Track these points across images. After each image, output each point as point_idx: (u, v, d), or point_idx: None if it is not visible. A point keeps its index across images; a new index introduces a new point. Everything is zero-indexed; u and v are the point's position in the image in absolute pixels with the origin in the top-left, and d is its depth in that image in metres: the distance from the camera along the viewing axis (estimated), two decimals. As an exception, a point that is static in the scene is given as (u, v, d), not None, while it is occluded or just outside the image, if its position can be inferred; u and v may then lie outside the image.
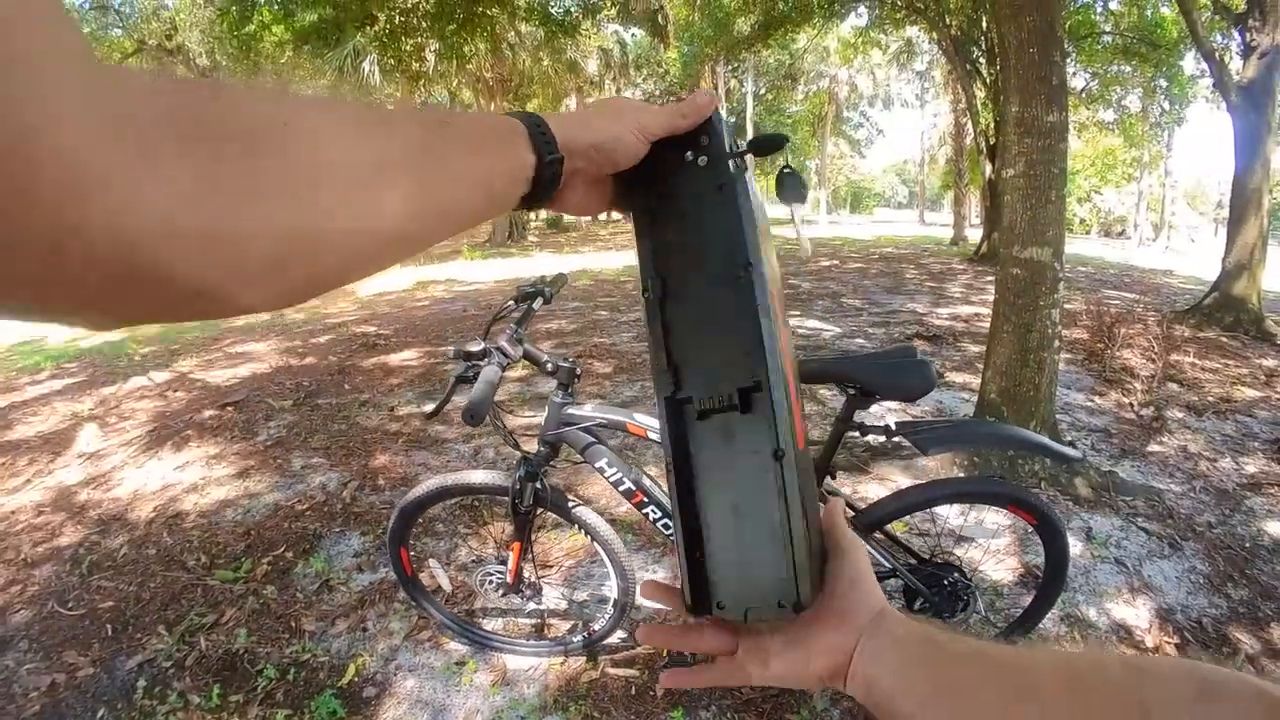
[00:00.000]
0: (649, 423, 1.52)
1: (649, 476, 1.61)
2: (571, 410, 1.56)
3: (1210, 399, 4.57)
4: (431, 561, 2.05)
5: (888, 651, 0.44)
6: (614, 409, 1.58)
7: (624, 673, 2.01)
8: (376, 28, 11.74)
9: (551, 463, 1.61)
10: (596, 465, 1.55)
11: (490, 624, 2.20)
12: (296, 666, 2.18)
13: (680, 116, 0.50)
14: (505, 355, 1.37)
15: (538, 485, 1.62)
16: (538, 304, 1.61)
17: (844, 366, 1.53)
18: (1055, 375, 3.26)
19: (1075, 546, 2.61)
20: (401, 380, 5.38)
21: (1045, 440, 1.55)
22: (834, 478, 1.58)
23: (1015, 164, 3.04)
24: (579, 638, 2.01)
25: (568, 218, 33.36)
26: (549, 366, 1.48)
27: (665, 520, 1.59)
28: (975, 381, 4.55)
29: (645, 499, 1.57)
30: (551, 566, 2.48)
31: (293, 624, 2.41)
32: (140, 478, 3.83)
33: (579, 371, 1.49)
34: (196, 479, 3.73)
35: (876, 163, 66.21)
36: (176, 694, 2.06)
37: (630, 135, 0.48)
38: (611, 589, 1.86)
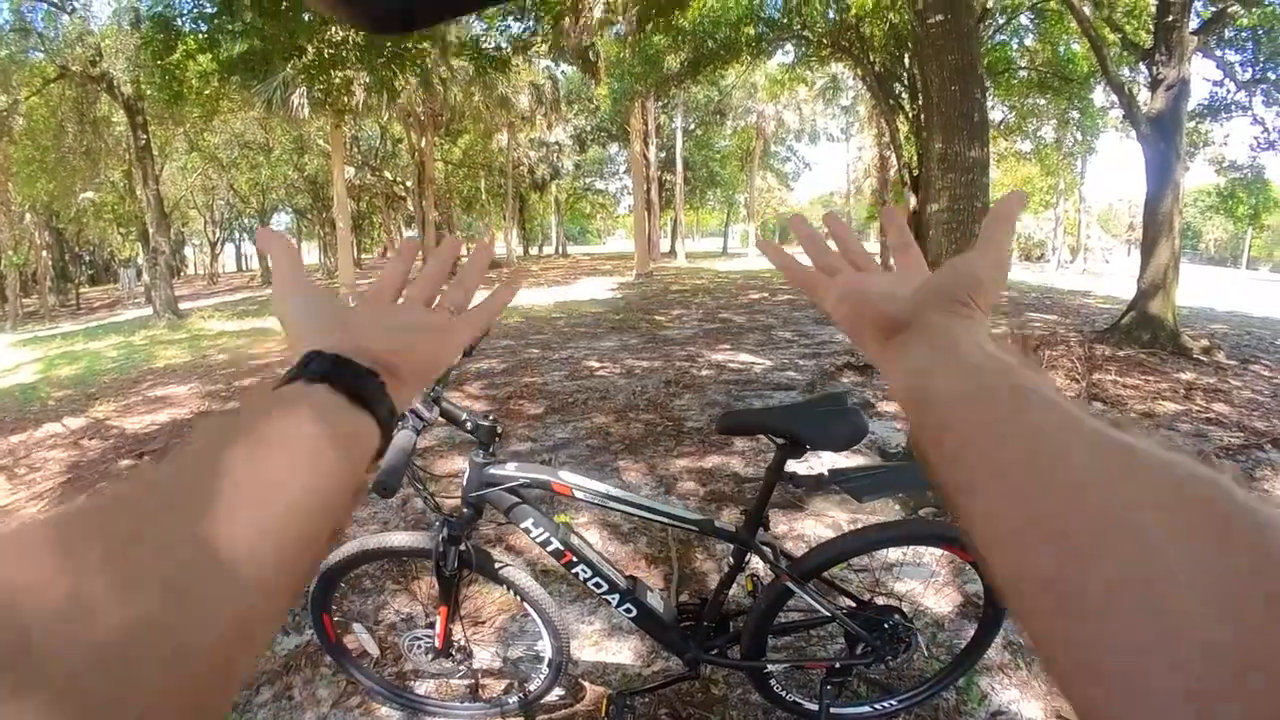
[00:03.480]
0: (574, 480, 1.47)
1: (577, 535, 1.55)
2: (493, 470, 1.49)
3: (1133, 415, 4.75)
4: (356, 626, 1.93)
5: (961, 328, 0.39)
6: (537, 467, 1.52)
7: (563, 733, 1.93)
8: (305, 59, 11.50)
9: (476, 524, 1.53)
10: (522, 526, 1.48)
11: (422, 687, 2.09)
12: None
13: None
14: (420, 418, 1.29)
15: (461, 547, 1.54)
16: (458, 358, 1.54)
17: (773, 418, 1.50)
18: (985, 403, 3.33)
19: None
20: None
21: None
22: (768, 528, 1.55)
23: (939, 199, 3.12)
24: (514, 699, 1.92)
25: (500, 251, 33.19)
26: (468, 425, 1.41)
27: (596, 579, 1.53)
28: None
29: (574, 558, 1.51)
30: (484, 624, 2.39)
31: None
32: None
33: (500, 430, 1.43)
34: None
35: (804, 195, 68.06)
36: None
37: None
38: (545, 648, 1.78)
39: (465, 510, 1.51)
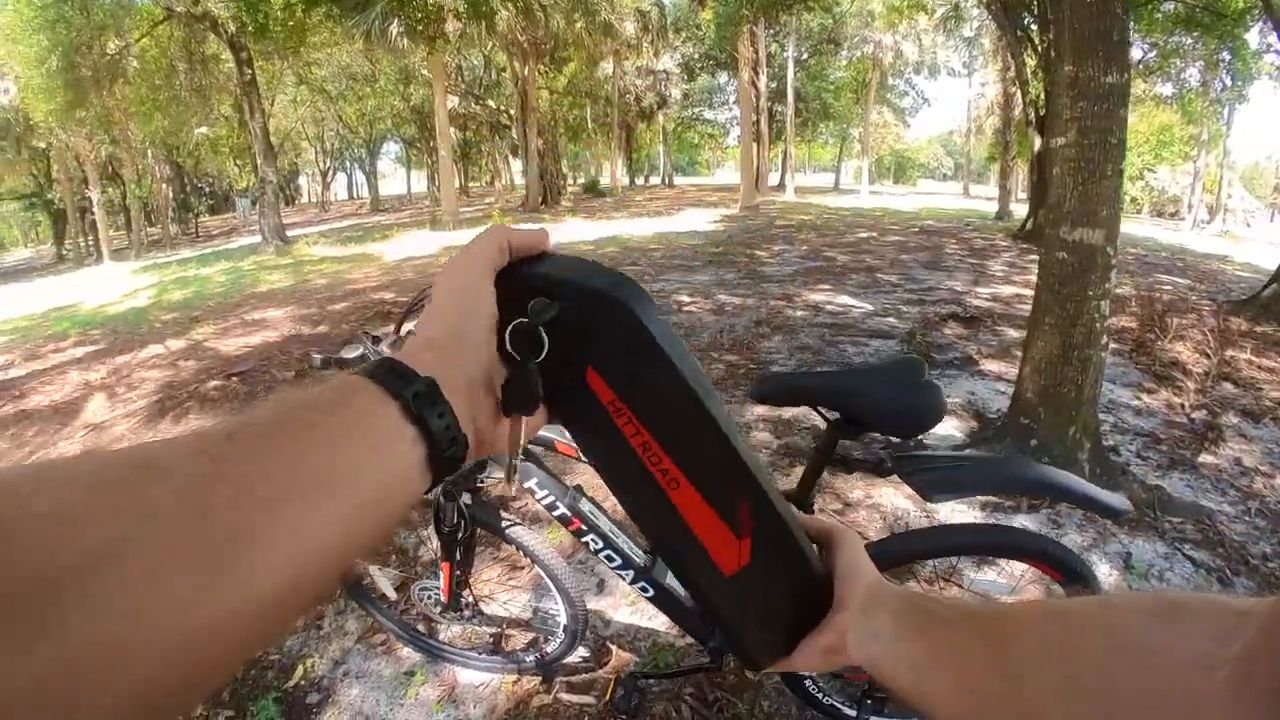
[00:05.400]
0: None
1: (589, 499, 1.36)
2: None
3: (1269, 403, 4.14)
4: (372, 568, 1.84)
5: (882, 627, 0.48)
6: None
7: (578, 700, 1.79)
8: (394, -13, 11.36)
9: (480, 479, 1.35)
10: (526, 486, 1.29)
11: (444, 633, 2.00)
12: (247, 663, 2.01)
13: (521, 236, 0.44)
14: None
15: (467, 501, 1.37)
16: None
17: (825, 385, 1.20)
18: (1100, 375, 2.91)
19: (1110, 575, 2.30)
20: (403, 354, 5.25)
21: (1084, 486, 1.21)
22: (812, 512, 1.32)
23: (1066, 131, 2.67)
24: (532, 658, 1.80)
25: (605, 181, 32.90)
26: None
27: (608, 552, 1.34)
28: (1012, 372, 4.22)
29: (584, 526, 1.31)
30: (499, 581, 2.28)
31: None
32: (137, 454, 3.74)
33: None
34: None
35: (921, 132, 64.23)
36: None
37: (481, 284, 0.42)
38: (560, 614, 1.63)
39: (464, 464, 1.34)
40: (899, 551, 1.33)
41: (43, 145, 21.68)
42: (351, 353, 1.03)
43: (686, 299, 6.81)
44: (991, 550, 1.44)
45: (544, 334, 0.41)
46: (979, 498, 2.63)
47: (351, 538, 0.31)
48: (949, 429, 3.43)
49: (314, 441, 0.31)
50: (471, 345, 0.40)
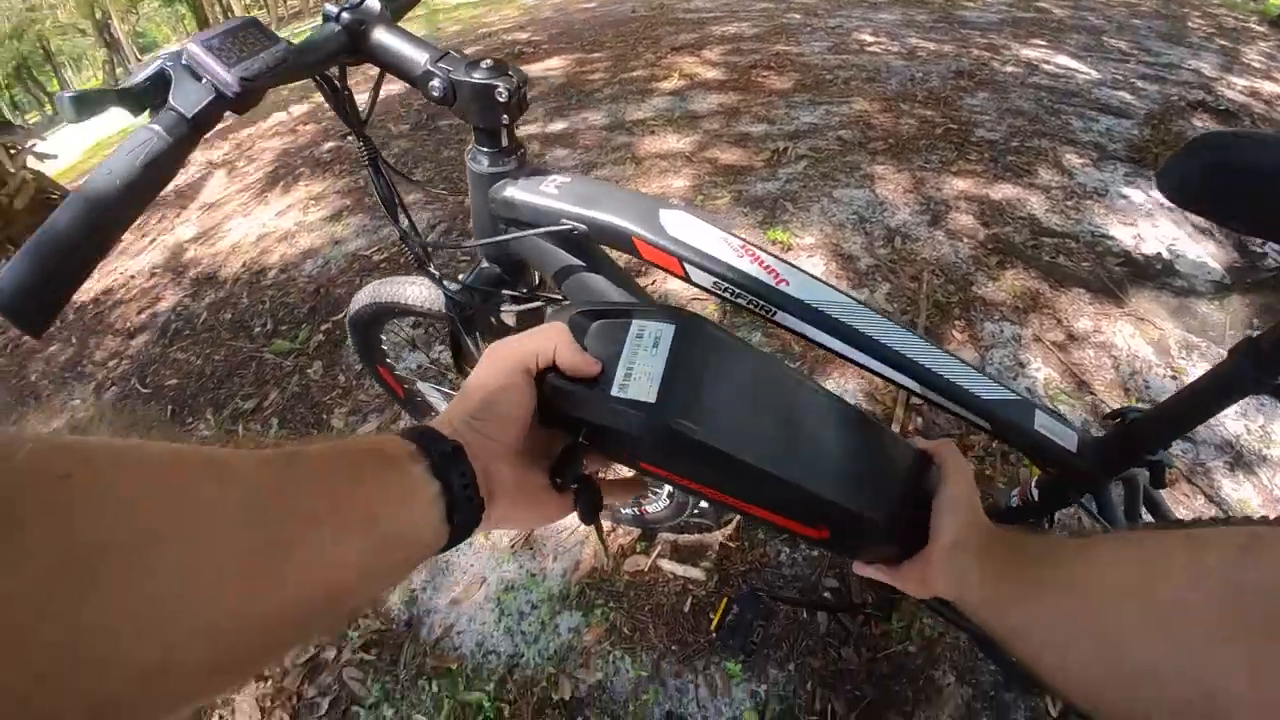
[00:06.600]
0: (681, 237, 0.63)
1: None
2: (515, 191, 0.69)
3: None
4: (420, 384, 1.45)
5: (968, 564, 0.46)
6: (611, 194, 0.67)
7: (683, 572, 1.40)
8: None
9: (501, 293, 0.81)
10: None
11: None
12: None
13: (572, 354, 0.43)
14: (219, 89, 0.52)
15: (493, 320, 0.86)
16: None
17: None
18: None
19: None
20: (536, 93, 4.60)
21: None
22: (1160, 480, 0.72)
23: None
24: (630, 510, 1.39)
25: None
26: (435, 85, 0.60)
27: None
28: None
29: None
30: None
31: (324, 416, 2.07)
32: (244, 228, 3.65)
33: (519, 95, 0.60)
34: (291, 225, 3.49)
35: None
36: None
37: (513, 376, 0.42)
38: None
39: (482, 266, 0.80)
40: None
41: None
42: (145, 70, 0.49)
43: (869, 39, 5.60)
44: None
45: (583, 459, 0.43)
46: None
47: (370, 574, 0.33)
48: (1202, 254, 2.45)
49: (360, 480, 0.34)
50: (504, 424, 0.41)
